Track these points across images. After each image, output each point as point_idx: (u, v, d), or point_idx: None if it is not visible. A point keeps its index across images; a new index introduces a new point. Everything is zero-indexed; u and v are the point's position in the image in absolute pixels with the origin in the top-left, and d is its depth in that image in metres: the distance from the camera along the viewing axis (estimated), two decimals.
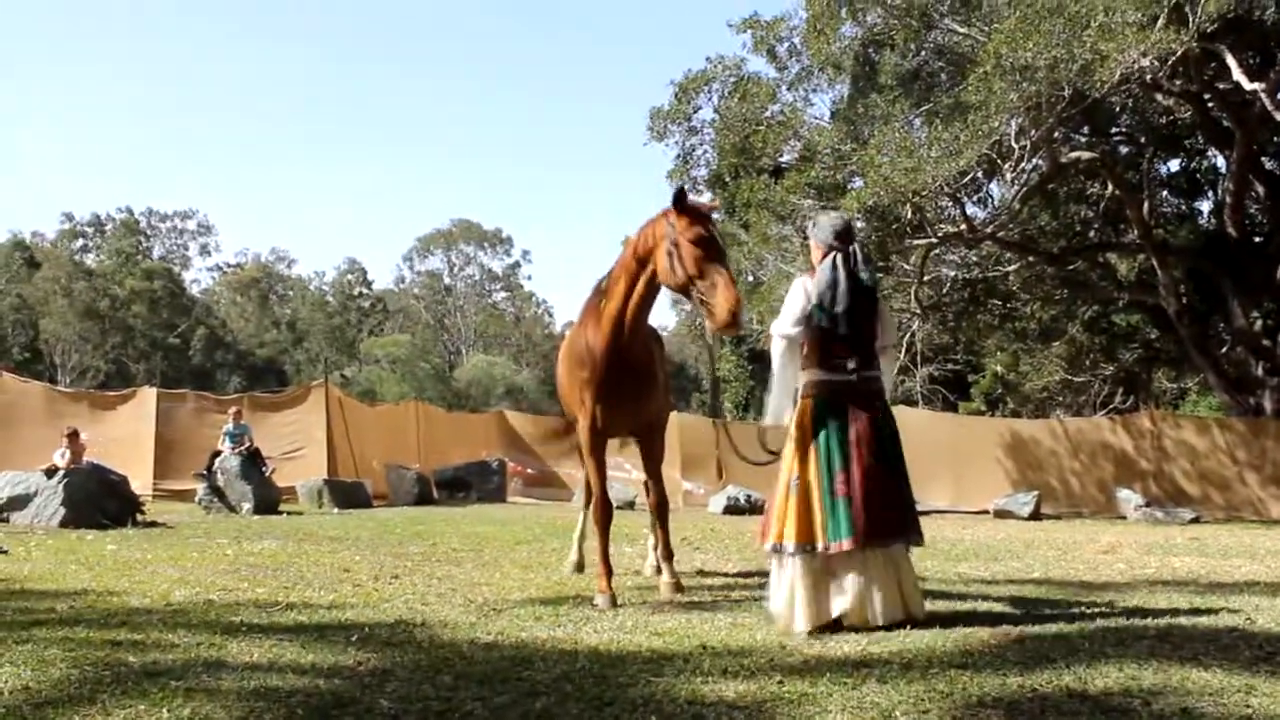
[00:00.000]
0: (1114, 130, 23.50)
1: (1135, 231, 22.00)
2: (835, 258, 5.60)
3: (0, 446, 17.25)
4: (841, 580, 5.43)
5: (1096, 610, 6.02)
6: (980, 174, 20.64)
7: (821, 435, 5.48)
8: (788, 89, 22.62)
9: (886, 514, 5.46)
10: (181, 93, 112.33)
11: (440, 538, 8.94)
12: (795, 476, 5.51)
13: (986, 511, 18.97)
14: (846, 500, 5.39)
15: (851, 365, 5.58)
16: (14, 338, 61.14)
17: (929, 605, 5.92)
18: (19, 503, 12.09)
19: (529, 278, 78.39)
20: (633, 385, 6.78)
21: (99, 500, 12.28)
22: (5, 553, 8.84)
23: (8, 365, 28.51)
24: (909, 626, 5.39)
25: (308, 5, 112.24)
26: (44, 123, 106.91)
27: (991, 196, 24.03)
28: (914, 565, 5.84)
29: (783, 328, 5.67)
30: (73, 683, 4.20)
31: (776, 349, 5.73)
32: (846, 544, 5.35)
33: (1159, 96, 20.59)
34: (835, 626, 5.40)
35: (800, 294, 5.64)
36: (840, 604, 5.43)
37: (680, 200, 6.03)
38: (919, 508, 5.98)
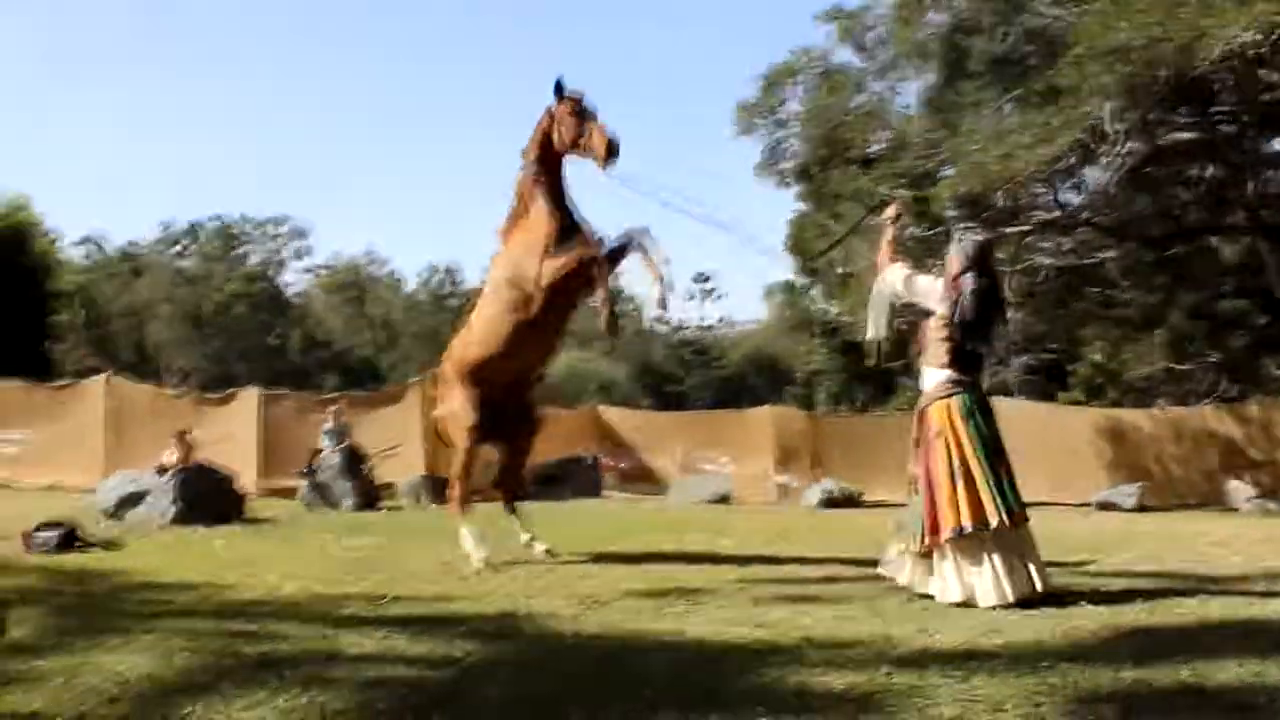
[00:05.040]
0: (1215, 110, 22.80)
1: (1240, 214, 21.34)
2: (975, 275, 6.22)
3: (114, 447, 17.85)
4: (1013, 555, 6.00)
5: (1213, 604, 5.85)
6: (1075, 159, 20.17)
7: (972, 425, 6.10)
8: (875, 79, 22.39)
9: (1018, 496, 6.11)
10: (273, 97, 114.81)
11: (537, 532, 9.03)
12: (959, 463, 6.04)
13: (1087, 504, 18.53)
14: (1009, 480, 6.05)
15: (977, 368, 6.33)
16: (123, 341, 63.05)
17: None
18: (133, 500, 12.43)
19: (621, 273, 78.10)
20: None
21: (208, 497, 12.57)
22: (123, 548, 9.14)
23: (118, 369, 29.39)
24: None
25: (397, 8, 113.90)
26: (136, 133, 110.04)
27: (1087, 182, 23.48)
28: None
29: (902, 290, 6.56)
30: (194, 671, 4.34)
31: (884, 289, 6.70)
32: (1018, 518, 5.99)
33: (1262, 72, 19.91)
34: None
35: (931, 286, 6.40)
36: (1030, 576, 6.00)
37: (559, 89, 7.89)
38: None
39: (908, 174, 20.13)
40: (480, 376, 8.41)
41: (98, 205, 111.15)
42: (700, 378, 72.73)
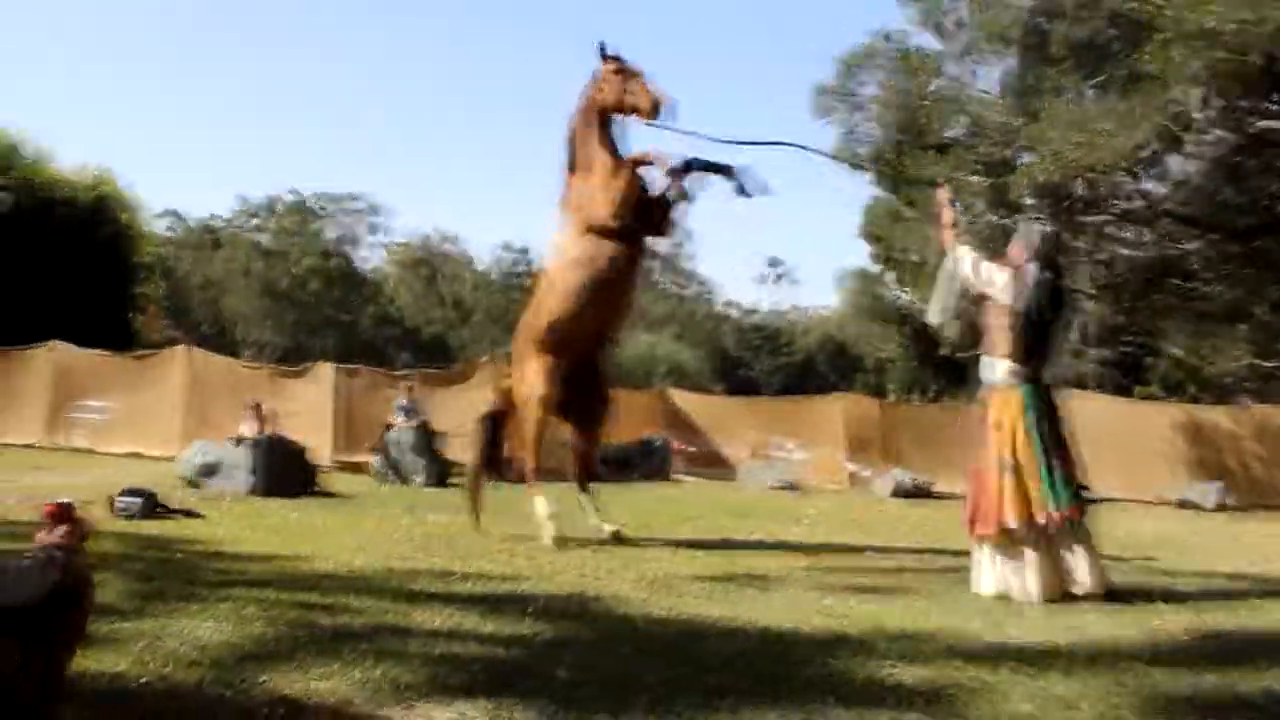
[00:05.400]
0: None
1: None
2: (1038, 266, 6.20)
3: (191, 417, 18.20)
4: (1064, 553, 5.95)
5: None
6: (1159, 147, 19.68)
7: (1030, 419, 6.01)
8: (954, 63, 22.05)
9: (1076, 491, 6.03)
10: (348, 79, 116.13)
11: (606, 514, 9.07)
12: (1009, 458, 5.98)
13: (1165, 501, 18.18)
14: (1064, 475, 5.93)
15: (1038, 360, 6.22)
16: (201, 314, 64.34)
17: (1112, 597, 5.81)
18: (210, 470, 12.66)
19: (692, 257, 77.86)
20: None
21: (282, 469, 12.76)
22: (201, 517, 9.32)
23: (196, 340, 29.96)
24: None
25: None
26: (216, 110, 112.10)
27: (1171, 171, 22.91)
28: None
29: (967, 270, 6.42)
30: (270, 640, 4.42)
31: (950, 271, 6.56)
32: (1070, 512, 5.89)
33: None
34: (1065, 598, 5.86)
35: (1000, 284, 6.28)
36: (1072, 577, 5.92)
37: (602, 51, 8.09)
38: (1092, 495, 6.61)
39: (985, 160, 19.78)
40: (554, 343, 8.47)
41: (179, 178, 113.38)
42: (770, 363, 72.53)
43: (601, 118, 8.28)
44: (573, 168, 8.48)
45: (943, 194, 7.09)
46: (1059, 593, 5.83)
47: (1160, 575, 7.19)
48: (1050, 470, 5.91)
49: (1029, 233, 6.41)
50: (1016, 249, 6.37)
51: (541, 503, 8.41)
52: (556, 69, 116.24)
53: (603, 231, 8.08)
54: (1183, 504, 17.82)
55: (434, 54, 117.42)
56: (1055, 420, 6.16)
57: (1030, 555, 5.89)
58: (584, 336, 8.56)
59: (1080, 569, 5.91)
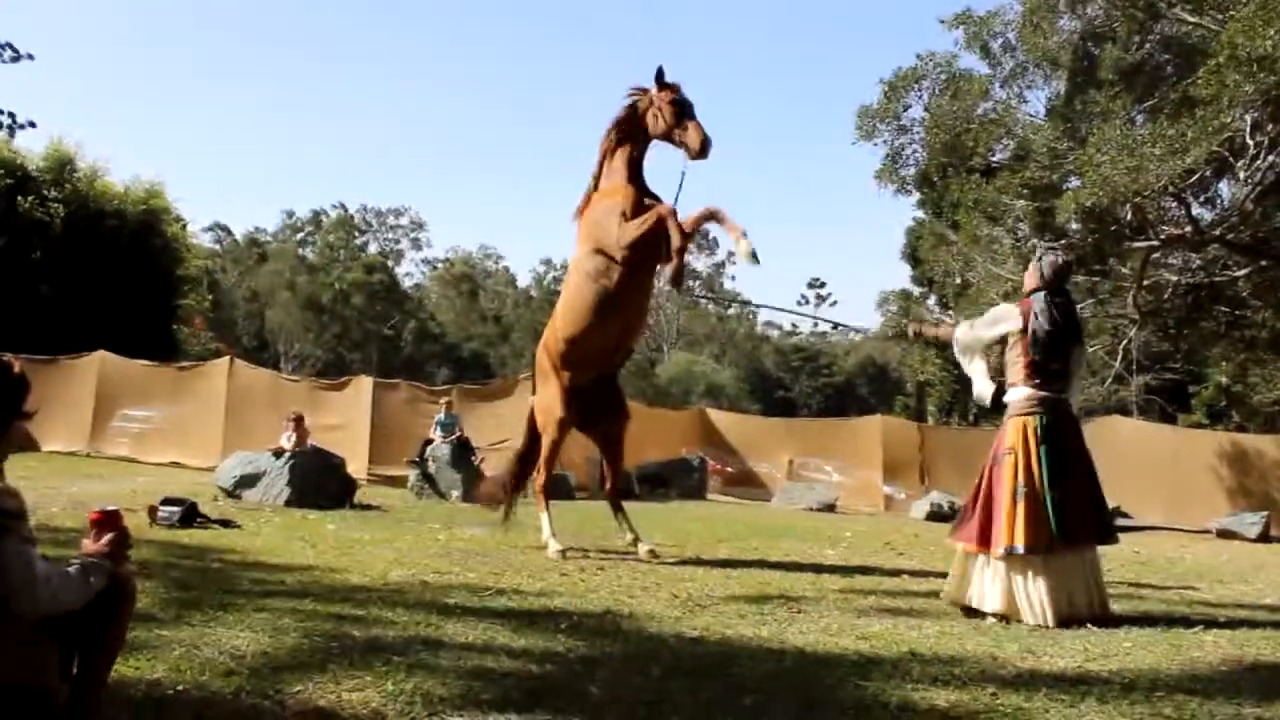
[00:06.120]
0: None
1: None
2: (1047, 294, 6.33)
3: (232, 428, 18.38)
4: (1070, 578, 5.97)
5: None
6: (1209, 172, 19.47)
7: (1044, 448, 6.06)
8: (1001, 86, 21.97)
9: (1091, 518, 6.12)
10: (394, 95, 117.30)
11: (642, 532, 9.07)
12: (1023, 484, 6.01)
13: (1206, 530, 17.88)
14: (1079, 503, 6.01)
15: (1057, 386, 6.26)
16: (244, 326, 65.02)
17: (1149, 625, 5.74)
18: (249, 481, 12.81)
19: (733, 278, 77.65)
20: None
21: (320, 482, 12.90)
22: (239, 527, 9.42)
23: (238, 352, 30.23)
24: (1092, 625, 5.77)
25: (508, 7, 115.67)
26: (263, 123, 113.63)
27: (1221, 196, 22.63)
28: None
29: (974, 332, 6.67)
30: (304, 651, 4.45)
31: (964, 346, 6.75)
32: (1077, 543, 5.98)
33: None
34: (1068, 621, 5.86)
35: (1006, 316, 6.48)
36: (1075, 600, 5.94)
37: (660, 77, 8.10)
38: (1132, 523, 6.37)
39: (1031, 184, 19.65)
40: (571, 359, 8.65)
41: (228, 191, 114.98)
42: (810, 385, 72.33)
43: (640, 140, 8.35)
44: (597, 182, 8.56)
45: (912, 330, 7.67)
46: (1067, 615, 5.84)
47: (1199, 605, 7.09)
48: (1058, 501, 5.96)
49: (1042, 262, 6.51)
50: (1029, 277, 6.54)
51: (547, 519, 8.73)
52: (599, 87, 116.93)
53: (609, 257, 8.18)
54: (1223, 533, 17.52)
55: (475, 70, 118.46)
56: (1075, 448, 6.22)
57: (1037, 579, 5.93)
58: (600, 351, 8.68)
59: (1081, 592, 5.97)
